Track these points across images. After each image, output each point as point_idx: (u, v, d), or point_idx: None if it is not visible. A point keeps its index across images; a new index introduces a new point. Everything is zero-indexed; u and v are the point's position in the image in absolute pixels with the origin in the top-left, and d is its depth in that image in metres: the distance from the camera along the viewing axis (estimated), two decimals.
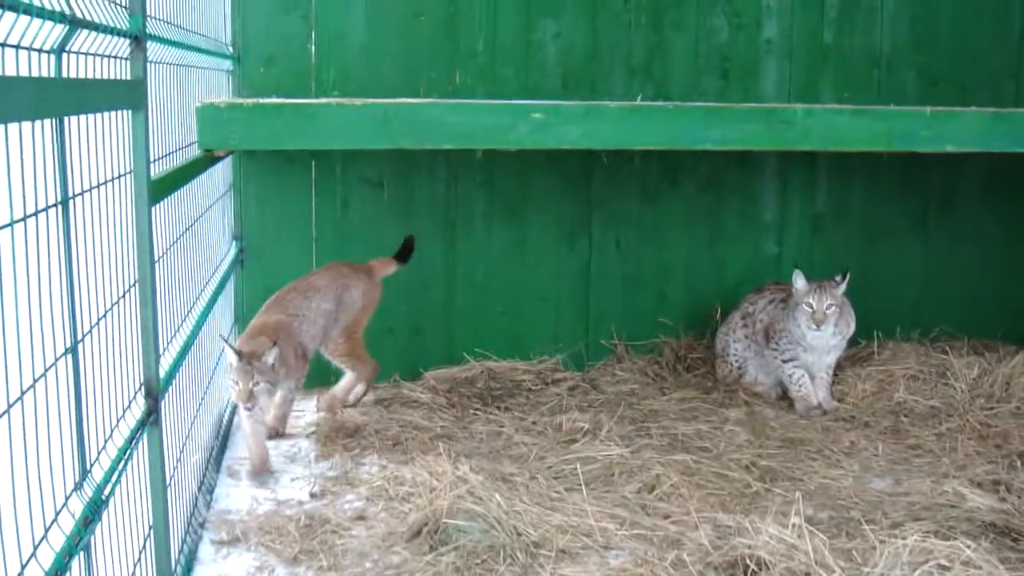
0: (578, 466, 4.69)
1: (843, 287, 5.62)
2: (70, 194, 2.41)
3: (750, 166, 6.44)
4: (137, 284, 3.09)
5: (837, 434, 5.35)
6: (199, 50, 4.59)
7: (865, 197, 6.64)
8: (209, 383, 4.74)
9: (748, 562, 3.69)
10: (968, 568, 3.51)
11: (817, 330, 5.56)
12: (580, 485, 4.51)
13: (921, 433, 5.32)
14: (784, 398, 5.87)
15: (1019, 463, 4.86)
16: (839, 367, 5.92)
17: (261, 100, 4.90)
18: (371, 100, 4.87)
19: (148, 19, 3.17)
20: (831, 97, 6.29)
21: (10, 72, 2.05)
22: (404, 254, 5.71)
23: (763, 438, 5.27)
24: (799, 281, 5.62)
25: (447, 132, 4.87)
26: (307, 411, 5.65)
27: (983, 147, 5.32)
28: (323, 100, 5.01)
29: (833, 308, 5.55)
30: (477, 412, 5.52)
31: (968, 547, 3.61)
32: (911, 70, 6.44)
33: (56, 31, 2.30)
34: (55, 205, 2.32)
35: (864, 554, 3.76)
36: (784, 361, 5.77)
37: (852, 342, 5.92)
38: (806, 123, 5.13)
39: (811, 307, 5.55)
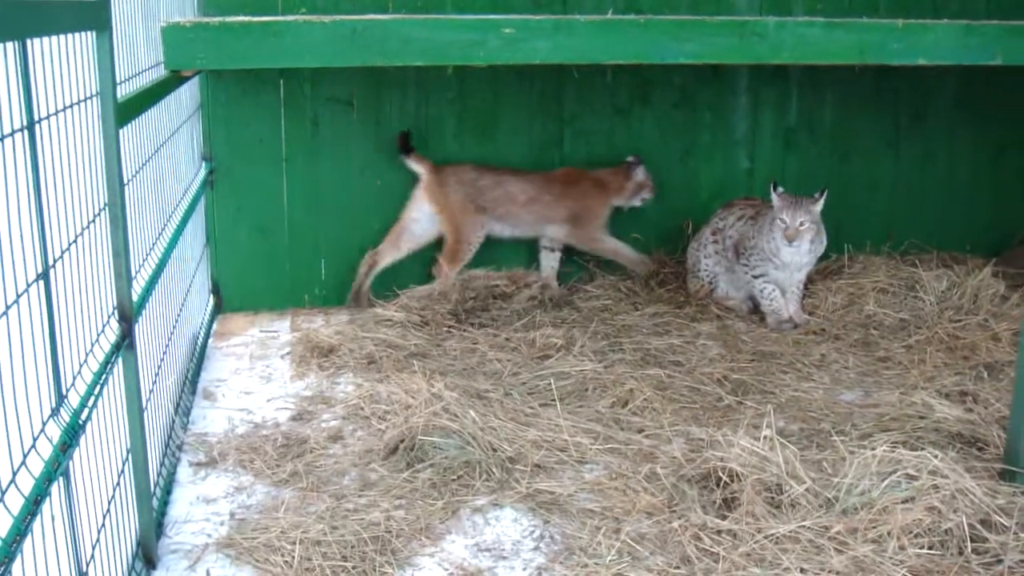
0: (552, 382, 4.73)
1: (819, 205, 5.63)
2: (36, 118, 2.38)
3: (722, 80, 6.41)
4: (107, 208, 3.06)
5: (808, 347, 5.41)
6: None
7: (837, 111, 6.64)
8: (183, 305, 4.73)
9: (720, 474, 3.74)
10: (935, 477, 3.57)
11: (789, 246, 5.58)
12: (554, 400, 4.56)
13: (890, 345, 5.38)
14: (756, 312, 5.92)
15: (986, 374, 4.94)
16: (810, 281, 5.95)
17: (227, 19, 4.83)
18: (339, 17, 4.81)
19: None
20: (803, 10, 6.25)
21: None
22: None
23: (735, 352, 5.32)
24: (776, 197, 5.63)
25: (416, 48, 4.82)
26: (281, 331, 5.66)
27: (955, 60, 5.31)
28: (290, 17, 4.94)
29: (807, 225, 5.56)
30: (451, 329, 5.54)
31: (935, 456, 3.66)
32: None
33: None
34: (21, 130, 2.29)
35: (834, 465, 3.82)
36: (755, 276, 5.80)
37: (823, 256, 5.93)
38: (778, 36, 5.10)
39: (784, 223, 5.55)
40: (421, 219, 6.03)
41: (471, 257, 6.05)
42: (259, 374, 5.07)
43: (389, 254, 6.06)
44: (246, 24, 4.70)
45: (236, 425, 4.47)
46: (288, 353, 5.31)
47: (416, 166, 6.00)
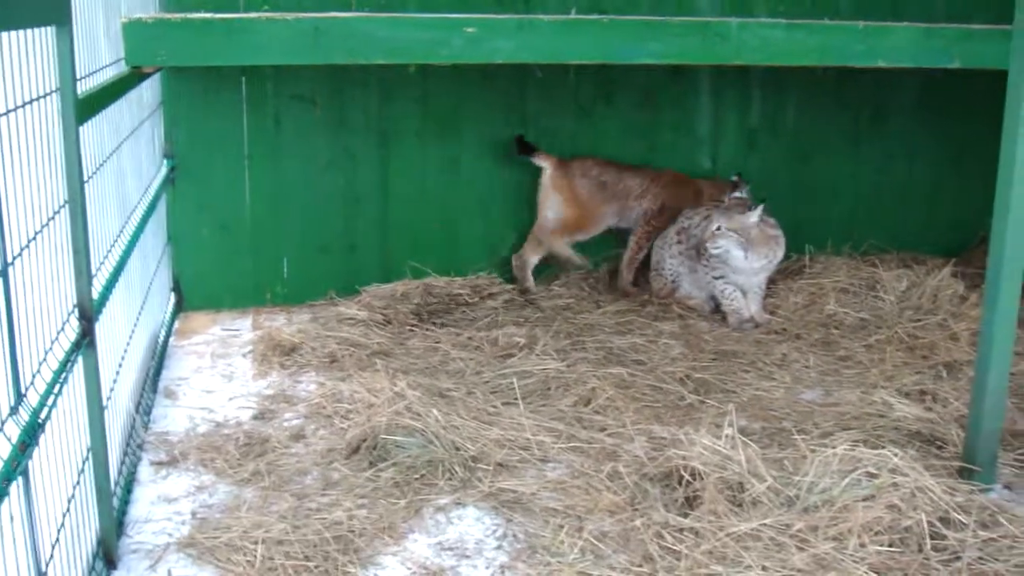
0: (515, 380, 4.73)
1: (753, 216, 5.64)
2: None
3: (684, 81, 6.44)
4: (67, 205, 3.04)
5: (769, 346, 5.44)
6: None
7: (799, 112, 6.68)
8: (144, 303, 4.69)
9: (683, 473, 3.75)
10: (895, 475, 3.60)
11: (713, 250, 5.65)
12: (517, 399, 4.56)
13: (851, 345, 5.41)
14: (718, 311, 5.94)
15: (945, 373, 4.98)
16: (772, 281, 5.98)
17: (189, 15, 4.80)
18: (302, 14, 4.79)
19: None
20: (765, 11, 6.28)
21: None
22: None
23: (697, 351, 5.34)
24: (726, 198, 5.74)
25: (379, 47, 4.81)
26: (243, 330, 5.64)
27: (914, 62, 5.35)
28: (253, 15, 4.91)
29: (724, 232, 5.62)
30: (413, 328, 5.53)
31: (895, 455, 3.69)
32: None
33: None
34: None
35: (795, 463, 3.84)
36: (715, 278, 5.83)
37: (785, 256, 5.95)
38: (741, 37, 5.13)
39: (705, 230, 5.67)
40: (553, 213, 6.26)
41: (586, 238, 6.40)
42: (221, 373, 5.04)
43: (534, 252, 6.31)
44: (208, 21, 4.67)
45: (197, 424, 4.45)
46: (250, 352, 5.28)
47: (541, 162, 6.21)
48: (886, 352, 5.26)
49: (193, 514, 3.68)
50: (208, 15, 4.80)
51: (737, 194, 6.15)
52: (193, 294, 5.96)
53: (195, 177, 5.85)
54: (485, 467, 3.98)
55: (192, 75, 5.71)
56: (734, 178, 6.34)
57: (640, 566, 3.34)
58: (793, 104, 6.66)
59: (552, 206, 6.24)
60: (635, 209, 6.35)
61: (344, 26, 4.75)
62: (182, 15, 4.81)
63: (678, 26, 5.08)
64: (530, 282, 6.27)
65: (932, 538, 3.40)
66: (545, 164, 6.21)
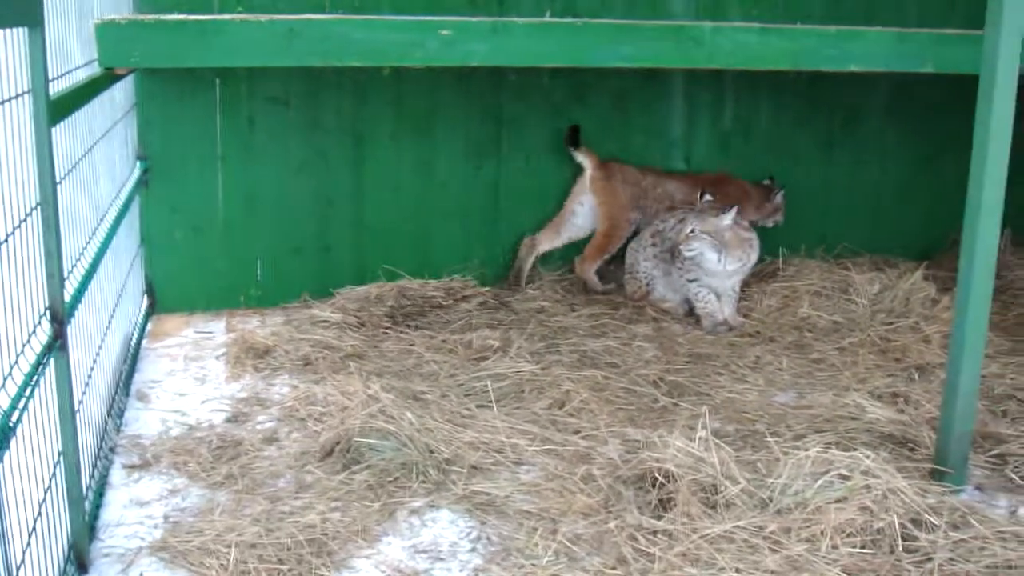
0: (489, 383, 4.73)
1: (726, 219, 5.66)
2: None
3: (658, 84, 6.45)
4: (39, 207, 3.02)
5: (742, 349, 5.45)
6: None
7: (772, 116, 6.71)
8: (116, 306, 4.67)
9: (656, 475, 3.76)
10: (868, 477, 3.62)
11: (687, 252, 5.67)
12: (491, 402, 4.56)
13: (824, 347, 5.44)
14: (692, 314, 5.96)
15: (917, 376, 5.01)
16: (745, 284, 6.00)
17: (163, 17, 4.79)
18: (276, 16, 4.79)
19: None
20: (739, 15, 6.30)
21: None
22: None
23: (671, 354, 5.36)
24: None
25: (354, 49, 4.81)
26: (216, 332, 5.61)
27: (886, 67, 5.40)
28: (227, 16, 4.90)
29: (698, 235, 5.64)
30: (387, 331, 5.52)
31: (868, 457, 3.71)
32: None
33: None
34: None
35: (768, 465, 3.86)
36: (689, 280, 5.84)
37: (758, 259, 5.98)
38: (714, 41, 5.15)
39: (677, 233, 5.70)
40: (581, 211, 6.37)
41: (616, 252, 6.37)
42: (194, 375, 5.02)
43: (548, 240, 6.41)
44: (182, 22, 4.66)
45: (170, 427, 4.43)
46: (223, 354, 5.26)
47: (583, 159, 6.30)
48: (859, 355, 5.29)
49: (165, 518, 3.66)
50: (182, 16, 4.79)
51: (777, 199, 6.45)
52: (166, 296, 5.94)
53: (168, 179, 5.81)
54: (459, 470, 3.98)
55: (166, 77, 5.69)
56: (767, 182, 6.51)
57: (614, 568, 3.34)
58: (766, 107, 6.69)
59: (582, 208, 6.37)
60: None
61: (319, 28, 4.75)
62: (155, 16, 4.80)
63: (651, 30, 5.10)
64: (526, 272, 6.33)
65: (904, 539, 3.42)
66: (587, 163, 6.30)
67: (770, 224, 6.61)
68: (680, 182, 6.44)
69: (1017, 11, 3.60)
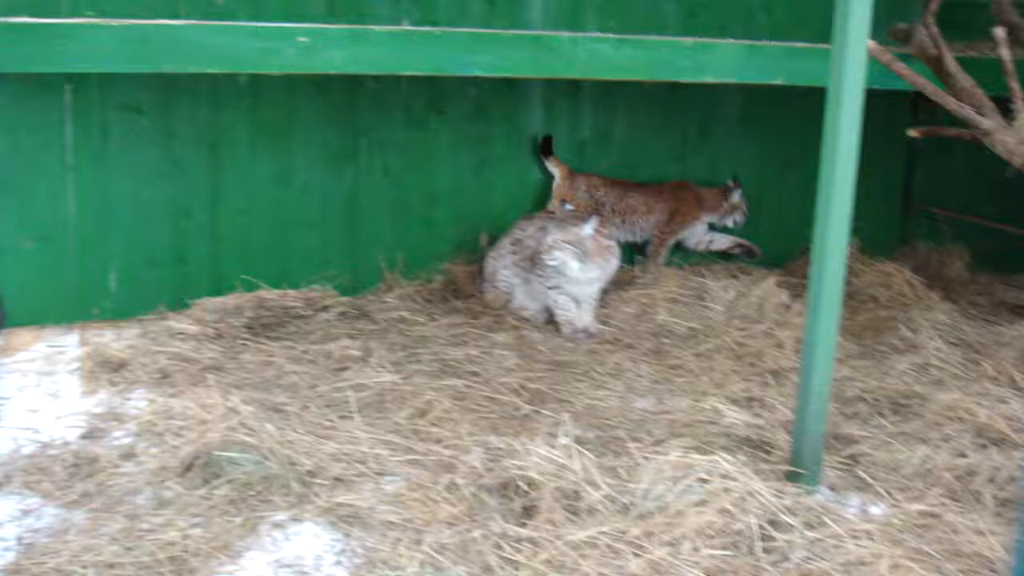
0: (350, 393, 4.70)
1: (587, 228, 5.71)
2: None
3: (517, 93, 6.49)
4: None
5: (602, 356, 5.51)
6: None
7: (628, 125, 6.81)
8: None
9: (519, 483, 3.78)
10: (726, 480, 3.69)
11: (550, 262, 5.72)
12: (352, 413, 4.53)
13: (681, 353, 5.52)
14: (551, 322, 5.99)
15: (771, 380, 5.12)
16: (604, 292, 6.06)
17: (8, 19, 4.64)
18: (129, 21, 4.68)
19: None
20: (596, 26, 6.38)
21: None
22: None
23: (531, 361, 5.39)
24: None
25: (210, 55, 4.74)
26: (69, 346, 5.46)
27: (740, 78, 5.53)
28: (79, 20, 4.78)
29: (560, 243, 5.70)
30: (246, 342, 5.44)
31: (726, 460, 3.79)
32: (672, 0, 6.59)
33: None
34: None
35: (629, 471, 3.90)
36: (550, 288, 5.88)
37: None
38: (572, 51, 5.21)
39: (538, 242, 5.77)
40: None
41: None
42: (46, 391, 4.87)
43: None
44: (30, 25, 4.53)
45: (22, 445, 4.28)
46: (77, 368, 5.12)
47: (553, 168, 6.59)
48: (715, 360, 5.38)
49: (19, 540, 3.54)
50: (29, 20, 4.65)
51: (734, 198, 6.77)
52: (16, 309, 5.72)
53: (15, 189, 5.62)
54: (322, 482, 3.94)
55: (12, 81, 5.50)
56: (729, 183, 6.72)
57: None
58: (622, 117, 6.79)
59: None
60: (644, 225, 6.80)
61: (174, 34, 4.67)
62: (3, 19, 4.65)
63: (510, 39, 5.14)
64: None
65: (762, 540, 3.50)
66: (557, 172, 6.58)
67: (730, 223, 6.94)
68: (645, 193, 6.74)
69: (862, 25, 3.73)
